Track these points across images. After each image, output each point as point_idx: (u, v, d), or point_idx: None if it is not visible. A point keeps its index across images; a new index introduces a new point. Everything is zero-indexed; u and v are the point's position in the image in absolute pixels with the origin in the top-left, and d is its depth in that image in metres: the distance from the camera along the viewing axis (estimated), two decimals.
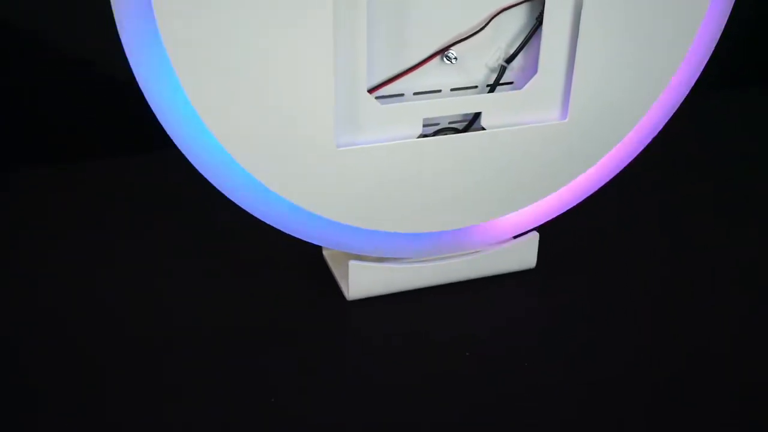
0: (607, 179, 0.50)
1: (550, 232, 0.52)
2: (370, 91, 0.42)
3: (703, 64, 0.48)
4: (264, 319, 0.48)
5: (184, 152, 0.41)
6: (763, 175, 0.67)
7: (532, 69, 0.45)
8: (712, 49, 0.47)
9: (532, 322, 0.49)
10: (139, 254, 0.54)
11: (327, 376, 0.43)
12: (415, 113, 0.43)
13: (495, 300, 0.50)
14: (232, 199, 0.43)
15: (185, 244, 0.55)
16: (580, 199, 0.50)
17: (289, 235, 0.45)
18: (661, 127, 0.49)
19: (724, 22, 0.47)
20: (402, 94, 0.44)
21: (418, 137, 0.44)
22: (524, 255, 0.52)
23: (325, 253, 0.53)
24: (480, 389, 0.42)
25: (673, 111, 0.49)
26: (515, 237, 0.51)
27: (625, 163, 0.50)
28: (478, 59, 0.44)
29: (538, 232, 0.51)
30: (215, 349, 0.45)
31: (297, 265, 0.52)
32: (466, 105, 0.44)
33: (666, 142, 0.52)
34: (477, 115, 0.45)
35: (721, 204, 0.63)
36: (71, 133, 0.71)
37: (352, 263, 0.48)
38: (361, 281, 0.48)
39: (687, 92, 0.48)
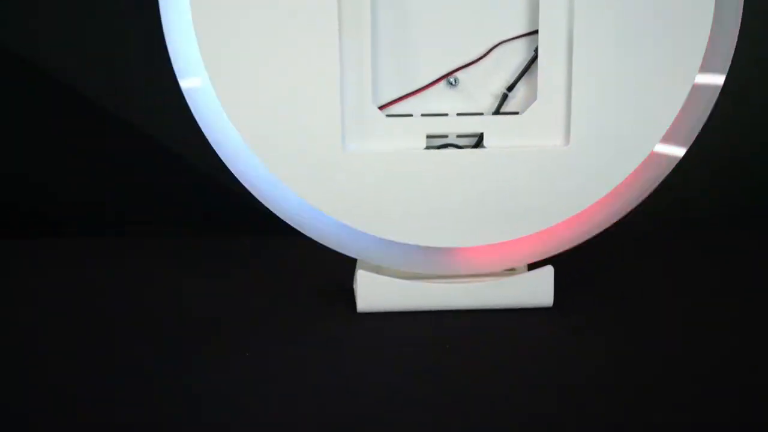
0: (624, 213, 0.51)
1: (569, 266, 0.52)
2: (381, 107, 0.48)
3: (717, 95, 0.49)
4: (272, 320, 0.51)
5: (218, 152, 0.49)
6: None
7: (534, 96, 0.48)
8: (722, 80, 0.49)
9: (544, 353, 0.48)
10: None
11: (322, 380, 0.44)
12: (418, 128, 0.48)
13: (512, 332, 0.50)
14: (258, 196, 0.49)
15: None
16: (596, 232, 0.51)
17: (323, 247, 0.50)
18: (679, 158, 0.50)
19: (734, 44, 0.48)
20: (410, 114, 0.49)
21: (425, 149, 0.48)
22: (539, 289, 0.52)
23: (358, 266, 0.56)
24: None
25: (689, 145, 0.50)
26: (530, 268, 0.52)
27: (642, 197, 0.51)
28: (483, 87, 0.49)
29: (554, 266, 0.52)
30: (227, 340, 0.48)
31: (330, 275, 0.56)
32: (468, 125, 0.49)
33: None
34: (482, 137, 0.49)
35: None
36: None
37: (361, 272, 0.51)
38: (370, 293, 0.51)
39: (701, 126, 0.50)
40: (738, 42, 0.48)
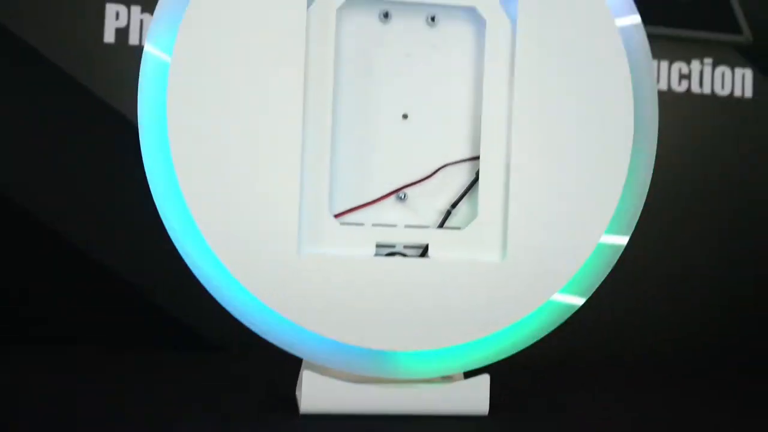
0: (555, 325, 0.55)
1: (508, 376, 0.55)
2: (336, 215, 0.52)
3: (636, 219, 0.55)
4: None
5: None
6: None
7: (475, 214, 0.53)
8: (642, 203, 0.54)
9: None
10: None
11: None
12: (369, 237, 0.52)
13: None
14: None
15: None
16: (531, 342, 0.54)
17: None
18: (604, 276, 0.55)
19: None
20: (363, 224, 0.53)
21: (374, 256, 0.52)
22: (475, 396, 0.54)
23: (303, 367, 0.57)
24: None
25: (611, 266, 0.55)
26: (466, 376, 0.55)
27: (573, 310, 0.55)
28: (429, 203, 0.54)
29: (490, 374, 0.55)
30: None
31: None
32: (415, 237, 0.53)
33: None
34: (427, 248, 0.53)
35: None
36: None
37: (307, 373, 0.53)
38: (314, 394, 0.53)
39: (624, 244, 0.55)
40: None
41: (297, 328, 0.52)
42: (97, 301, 0.86)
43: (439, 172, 0.54)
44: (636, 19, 0.55)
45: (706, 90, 1.14)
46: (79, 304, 0.87)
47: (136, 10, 1.06)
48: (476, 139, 0.53)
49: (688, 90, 1.13)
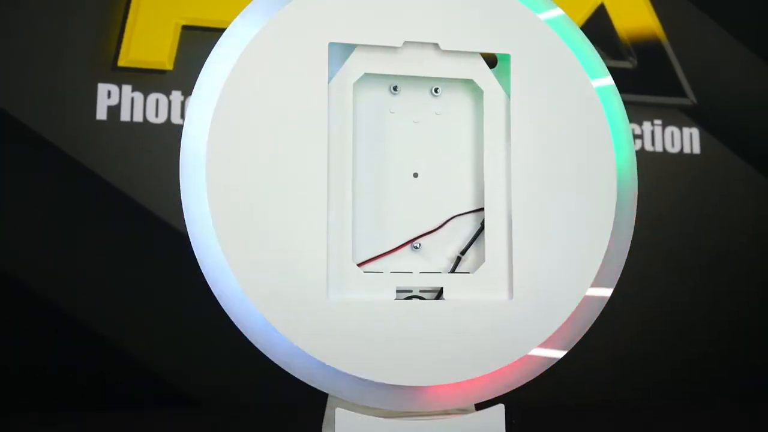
0: (561, 355, 0.61)
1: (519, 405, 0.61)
2: (359, 264, 0.58)
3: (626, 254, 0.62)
4: None
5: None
6: None
7: (482, 259, 0.60)
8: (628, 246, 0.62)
9: None
10: None
11: None
12: (389, 283, 0.58)
13: None
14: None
15: None
16: (541, 371, 0.60)
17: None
18: (603, 305, 0.61)
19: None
20: (382, 271, 0.59)
21: (394, 300, 0.58)
22: (491, 427, 0.60)
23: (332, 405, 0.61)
24: None
25: (609, 295, 0.61)
26: (477, 408, 0.60)
27: (578, 338, 0.61)
28: (441, 251, 0.60)
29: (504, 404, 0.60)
30: None
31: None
32: (430, 281, 0.59)
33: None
34: (442, 291, 0.59)
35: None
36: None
37: (339, 410, 0.57)
38: (346, 428, 0.57)
39: (619, 273, 0.61)
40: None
41: (327, 367, 0.57)
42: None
43: (448, 223, 0.60)
44: (609, 80, 0.63)
45: (658, 148, 1.25)
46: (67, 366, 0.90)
47: (126, 89, 1.12)
48: (480, 193, 0.60)
49: (642, 148, 1.24)
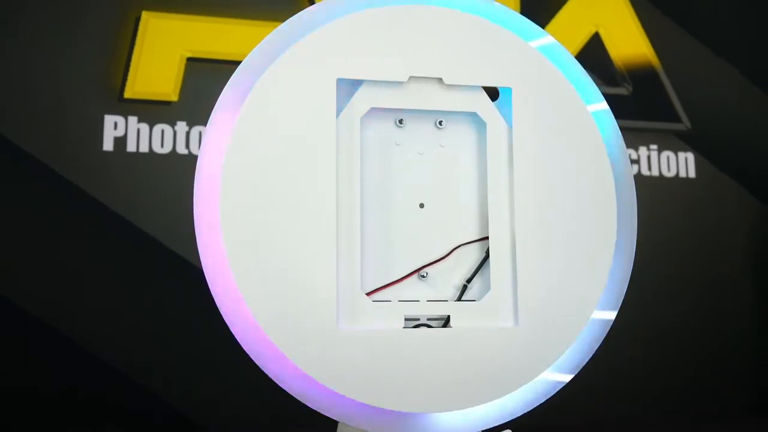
0: (567, 379, 0.62)
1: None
2: (368, 294, 0.59)
3: (624, 291, 0.63)
4: None
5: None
6: None
7: (488, 287, 0.61)
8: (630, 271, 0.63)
9: None
10: None
11: None
12: (397, 311, 0.59)
13: None
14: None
15: None
16: (551, 395, 0.61)
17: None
18: (608, 328, 0.62)
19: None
20: (390, 300, 0.60)
21: (403, 328, 0.59)
22: None
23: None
24: None
25: (613, 317, 0.63)
26: None
27: (584, 362, 0.62)
28: (447, 280, 0.62)
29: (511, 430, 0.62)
30: None
31: None
32: (437, 310, 0.60)
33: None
34: (449, 319, 0.60)
35: None
36: None
37: None
38: None
39: (622, 295, 0.63)
40: None
41: (337, 395, 0.58)
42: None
43: (454, 252, 0.62)
44: (604, 104, 0.65)
45: (654, 172, 1.27)
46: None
47: (132, 120, 1.14)
48: (484, 222, 0.62)
49: (639, 173, 1.26)
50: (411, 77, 0.61)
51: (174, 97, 1.12)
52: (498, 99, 0.64)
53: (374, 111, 0.61)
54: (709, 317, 1.22)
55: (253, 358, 0.58)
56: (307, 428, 0.64)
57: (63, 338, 0.99)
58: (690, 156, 1.25)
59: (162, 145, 1.11)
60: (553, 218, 0.61)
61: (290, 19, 0.61)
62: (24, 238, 1.02)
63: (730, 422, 0.99)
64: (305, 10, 0.62)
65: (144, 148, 1.10)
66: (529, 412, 0.61)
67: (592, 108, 0.64)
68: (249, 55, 0.59)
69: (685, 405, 1.17)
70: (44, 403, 0.98)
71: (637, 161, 1.25)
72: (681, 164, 1.25)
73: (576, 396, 0.70)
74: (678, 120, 1.26)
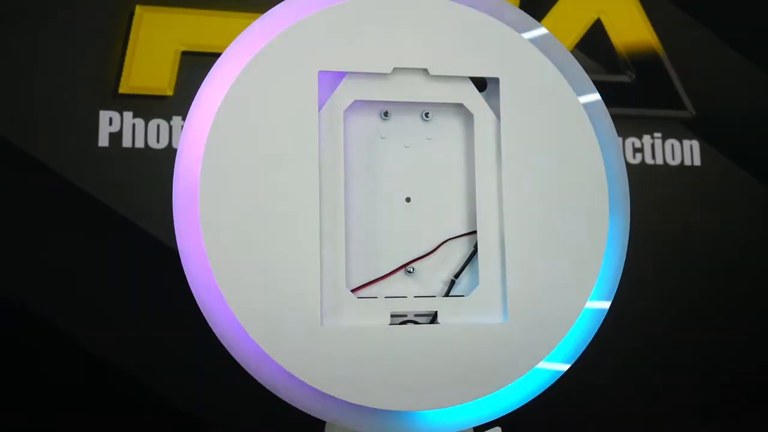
0: (558, 376, 0.60)
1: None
2: (353, 290, 0.58)
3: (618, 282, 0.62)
4: None
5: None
6: None
7: (476, 282, 0.60)
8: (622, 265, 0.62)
9: None
10: None
11: None
12: (383, 308, 0.58)
13: None
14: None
15: None
16: (539, 393, 0.60)
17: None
18: (601, 320, 0.61)
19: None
20: (376, 297, 0.59)
21: (389, 325, 0.58)
22: None
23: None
24: None
25: (606, 307, 0.61)
26: (476, 430, 0.60)
27: (576, 356, 0.60)
28: (435, 275, 0.60)
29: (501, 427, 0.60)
30: None
31: None
32: (424, 306, 0.59)
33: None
34: (436, 315, 0.59)
35: None
36: None
37: None
38: None
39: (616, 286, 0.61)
40: None
41: (323, 394, 0.57)
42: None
43: (441, 246, 0.60)
44: (596, 96, 0.63)
45: (659, 161, 1.25)
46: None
47: (128, 115, 1.13)
48: (472, 216, 0.60)
49: (642, 161, 1.24)
50: (395, 68, 0.60)
51: (169, 92, 1.11)
52: (486, 90, 0.62)
53: (358, 104, 0.60)
54: (714, 306, 1.20)
55: (235, 358, 0.57)
56: (307, 428, 0.63)
57: (59, 336, 0.99)
58: (695, 144, 1.22)
59: (158, 141, 1.10)
60: (543, 211, 0.60)
61: (270, 10, 0.60)
62: (17, 234, 1.02)
63: (730, 421, 0.98)
64: (285, 1, 0.60)
65: (140, 143, 1.09)
66: (521, 408, 0.60)
67: (583, 99, 0.62)
68: (226, 49, 0.58)
69: (689, 401, 1.15)
70: (43, 403, 0.98)
71: (641, 150, 1.23)
72: (686, 152, 1.23)
73: (572, 393, 0.69)
74: (683, 107, 1.23)
